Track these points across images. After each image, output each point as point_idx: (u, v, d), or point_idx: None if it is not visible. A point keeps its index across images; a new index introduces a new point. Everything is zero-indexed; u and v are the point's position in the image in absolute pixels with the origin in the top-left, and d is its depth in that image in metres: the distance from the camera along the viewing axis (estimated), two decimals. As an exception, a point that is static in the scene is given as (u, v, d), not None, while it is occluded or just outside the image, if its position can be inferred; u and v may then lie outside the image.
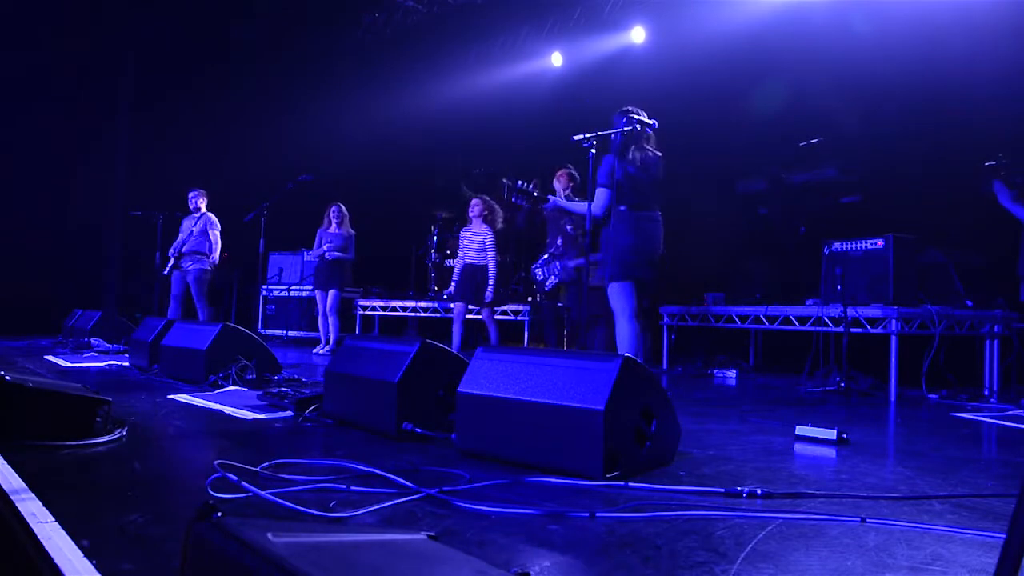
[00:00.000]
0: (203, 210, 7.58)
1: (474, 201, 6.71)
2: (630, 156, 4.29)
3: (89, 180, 10.06)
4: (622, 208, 4.23)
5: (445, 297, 7.03)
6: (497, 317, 7.48)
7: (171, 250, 7.54)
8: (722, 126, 7.18)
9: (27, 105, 9.14)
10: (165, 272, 7.57)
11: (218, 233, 7.52)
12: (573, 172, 6.08)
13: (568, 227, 5.97)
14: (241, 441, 2.85)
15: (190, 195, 7.60)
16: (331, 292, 7.36)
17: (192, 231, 7.46)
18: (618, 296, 4.22)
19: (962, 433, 3.56)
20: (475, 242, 6.55)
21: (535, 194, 5.53)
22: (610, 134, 4.31)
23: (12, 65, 8.83)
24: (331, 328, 7.37)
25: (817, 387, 5.11)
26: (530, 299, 7.73)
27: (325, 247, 7.40)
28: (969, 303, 5.21)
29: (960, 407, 4.49)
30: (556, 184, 6.05)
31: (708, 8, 7.42)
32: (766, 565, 1.57)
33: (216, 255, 7.52)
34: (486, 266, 6.52)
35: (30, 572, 1.51)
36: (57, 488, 2.02)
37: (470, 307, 6.59)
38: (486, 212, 6.63)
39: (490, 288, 6.46)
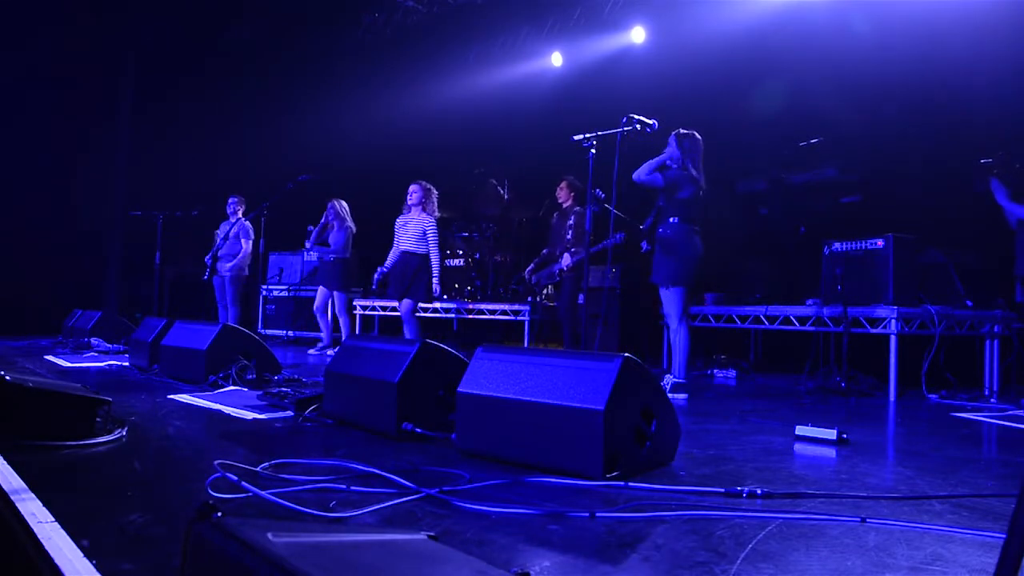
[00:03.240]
0: (239, 216, 7.67)
1: (412, 187, 6.41)
2: (694, 174, 4.52)
3: (89, 180, 10.06)
4: (684, 222, 4.66)
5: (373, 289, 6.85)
6: (498, 317, 7.49)
7: (207, 256, 7.64)
8: (722, 126, 7.16)
9: (27, 105, 9.14)
10: (205, 278, 7.66)
11: (250, 242, 7.61)
12: (573, 181, 6.21)
13: (569, 235, 6.15)
14: (241, 441, 2.84)
15: (229, 201, 7.68)
16: (335, 294, 7.32)
17: (228, 236, 7.61)
18: (678, 299, 4.68)
19: (962, 433, 3.56)
20: (415, 231, 6.33)
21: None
22: (610, 134, 4.32)
23: (13, 65, 8.84)
24: (342, 327, 7.33)
25: (817, 387, 5.11)
26: (530, 299, 7.73)
27: (307, 246, 7.41)
28: (969, 303, 5.21)
29: (960, 407, 4.49)
30: (560, 196, 6.29)
31: (708, 8, 7.42)
32: (766, 565, 1.57)
33: (246, 265, 7.65)
34: (424, 255, 6.29)
35: (30, 572, 1.51)
36: (57, 488, 2.02)
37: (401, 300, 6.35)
38: (424, 199, 6.36)
39: (435, 281, 6.28)
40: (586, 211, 6.07)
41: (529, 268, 6.62)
